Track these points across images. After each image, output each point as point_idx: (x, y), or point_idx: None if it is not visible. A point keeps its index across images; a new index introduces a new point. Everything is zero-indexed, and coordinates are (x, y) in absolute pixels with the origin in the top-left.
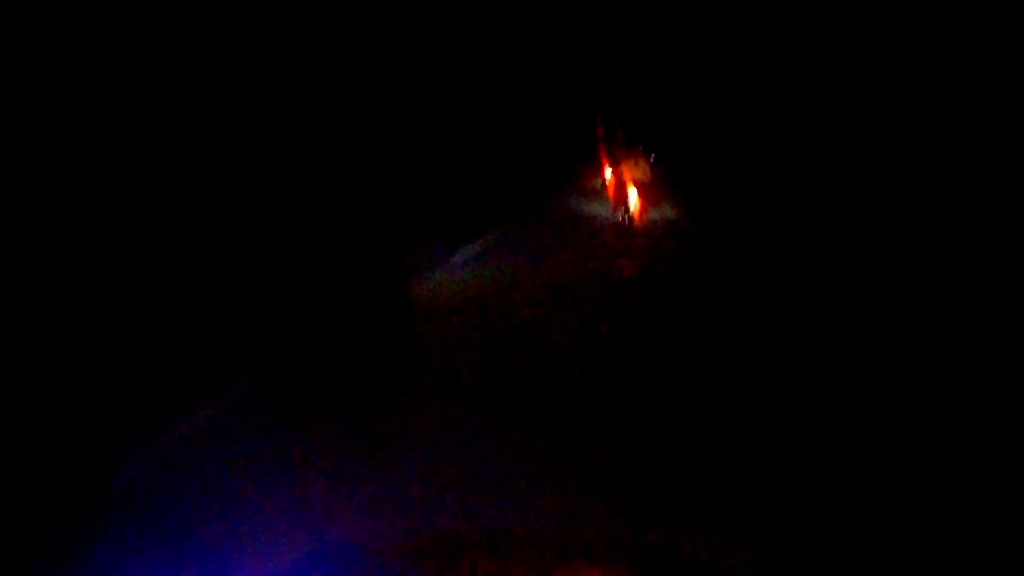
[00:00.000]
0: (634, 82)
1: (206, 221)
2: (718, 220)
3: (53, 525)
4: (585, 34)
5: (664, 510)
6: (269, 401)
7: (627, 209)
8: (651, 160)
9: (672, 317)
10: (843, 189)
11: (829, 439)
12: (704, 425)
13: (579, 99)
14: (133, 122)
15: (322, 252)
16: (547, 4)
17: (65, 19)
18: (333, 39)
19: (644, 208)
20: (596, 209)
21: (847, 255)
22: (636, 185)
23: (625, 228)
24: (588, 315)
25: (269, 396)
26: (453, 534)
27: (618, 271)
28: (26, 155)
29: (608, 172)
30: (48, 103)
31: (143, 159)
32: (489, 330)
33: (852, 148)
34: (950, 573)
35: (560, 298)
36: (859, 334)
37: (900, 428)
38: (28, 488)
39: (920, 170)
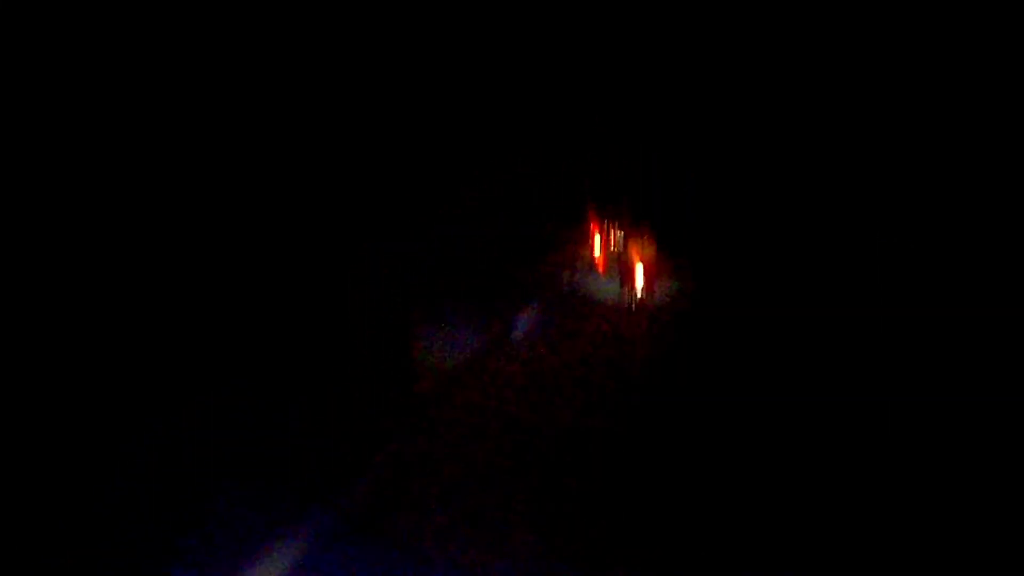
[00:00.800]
0: (635, 161)
1: (207, 224)
2: (719, 297)
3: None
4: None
5: None
6: None
7: (632, 288)
8: (655, 240)
9: (677, 396)
10: (841, 264)
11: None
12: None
13: (576, 178)
14: (136, 123)
15: (323, 253)
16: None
17: (65, 19)
18: (337, 46)
19: (650, 285)
20: (598, 285)
21: (847, 341)
22: (643, 264)
23: (632, 306)
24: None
25: None
26: None
27: (626, 350)
28: (29, 156)
29: (598, 246)
30: (48, 104)
31: (146, 163)
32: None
33: (848, 225)
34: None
35: (566, 382)
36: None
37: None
38: (25, 488)
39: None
